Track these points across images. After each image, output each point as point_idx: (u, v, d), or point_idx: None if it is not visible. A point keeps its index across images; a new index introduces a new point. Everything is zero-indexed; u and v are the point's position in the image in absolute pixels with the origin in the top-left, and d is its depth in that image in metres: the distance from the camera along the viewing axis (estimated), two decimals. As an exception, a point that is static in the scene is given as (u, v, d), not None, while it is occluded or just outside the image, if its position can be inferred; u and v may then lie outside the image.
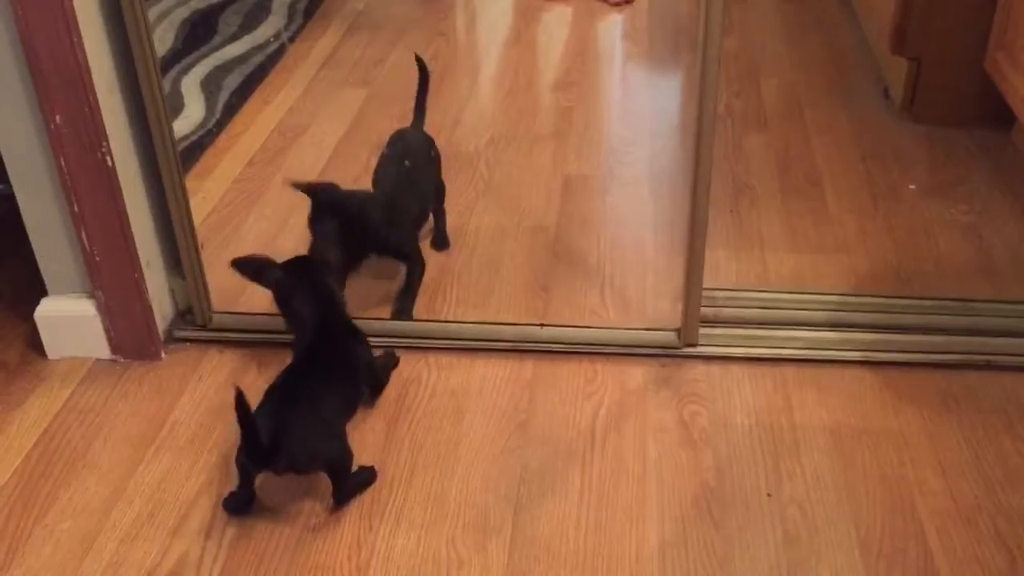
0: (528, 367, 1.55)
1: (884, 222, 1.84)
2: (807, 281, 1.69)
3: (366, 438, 1.42)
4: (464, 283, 1.74)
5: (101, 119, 1.40)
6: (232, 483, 1.32)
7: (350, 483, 1.32)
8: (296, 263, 1.49)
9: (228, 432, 1.43)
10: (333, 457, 1.30)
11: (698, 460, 1.37)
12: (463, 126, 2.28)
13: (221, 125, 2.25)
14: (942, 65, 2.04)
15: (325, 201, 1.59)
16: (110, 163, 1.42)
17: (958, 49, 2.00)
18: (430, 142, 1.89)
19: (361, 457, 1.39)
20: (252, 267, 1.48)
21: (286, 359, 1.58)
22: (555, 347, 1.57)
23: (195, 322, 1.62)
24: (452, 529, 1.28)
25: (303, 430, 1.26)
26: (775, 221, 1.86)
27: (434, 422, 1.45)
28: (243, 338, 1.61)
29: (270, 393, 1.31)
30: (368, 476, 1.35)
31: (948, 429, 1.40)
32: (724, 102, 2.28)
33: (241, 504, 1.31)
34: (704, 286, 1.54)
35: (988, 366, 1.49)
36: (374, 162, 1.96)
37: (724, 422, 1.43)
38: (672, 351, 1.54)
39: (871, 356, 1.51)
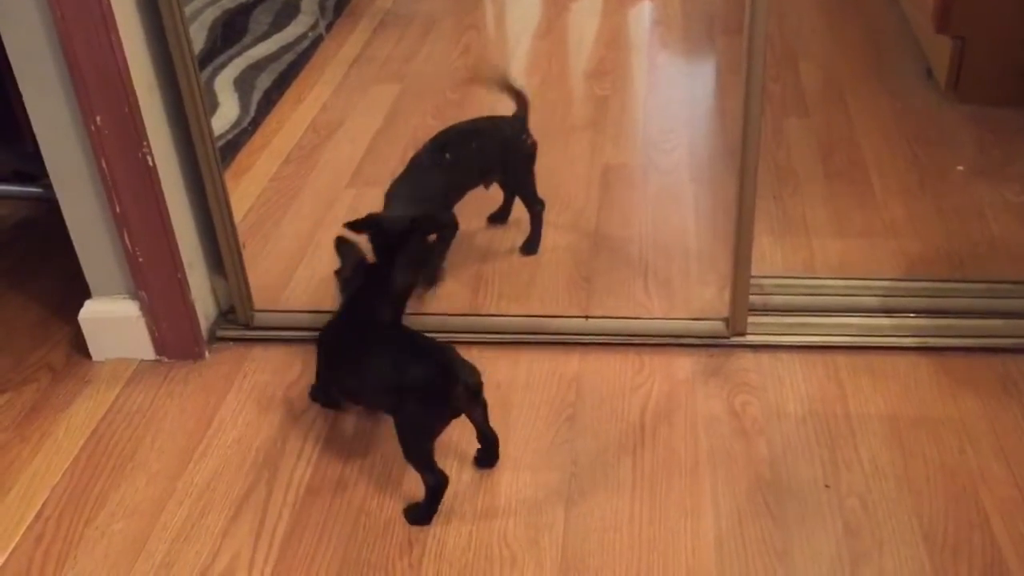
0: (574, 360, 1.53)
1: (933, 204, 1.80)
2: (855, 266, 1.66)
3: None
4: (506, 276, 1.72)
5: (141, 119, 1.39)
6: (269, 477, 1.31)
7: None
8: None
9: (273, 430, 1.42)
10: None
11: (751, 451, 1.34)
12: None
13: (256, 124, 2.25)
14: (988, 43, 1.99)
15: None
16: (151, 163, 1.42)
17: (1004, 27, 1.96)
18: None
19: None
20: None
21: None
22: (600, 339, 1.55)
23: (238, 321, 1.62)
24: (504, 525, 1.27)
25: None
26: (820, 206, 1.82)
27: (481, 417, 1.43)
28: (285, 336, 1.60)
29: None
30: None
31: (1009, 415, 1.36)
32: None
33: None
34: (751, 274, 1.52)
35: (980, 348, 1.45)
36: (409, 155, 1.95)
37: (777, 412, 1.40)
38: (720, 340, 1.52)
39: (926, 342, 1.47)
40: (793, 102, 2.18)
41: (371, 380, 1.33)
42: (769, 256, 1.71)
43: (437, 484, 1.28)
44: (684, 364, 1.50)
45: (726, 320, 1.52)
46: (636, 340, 1.54)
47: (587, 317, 1.58)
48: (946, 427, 1.35)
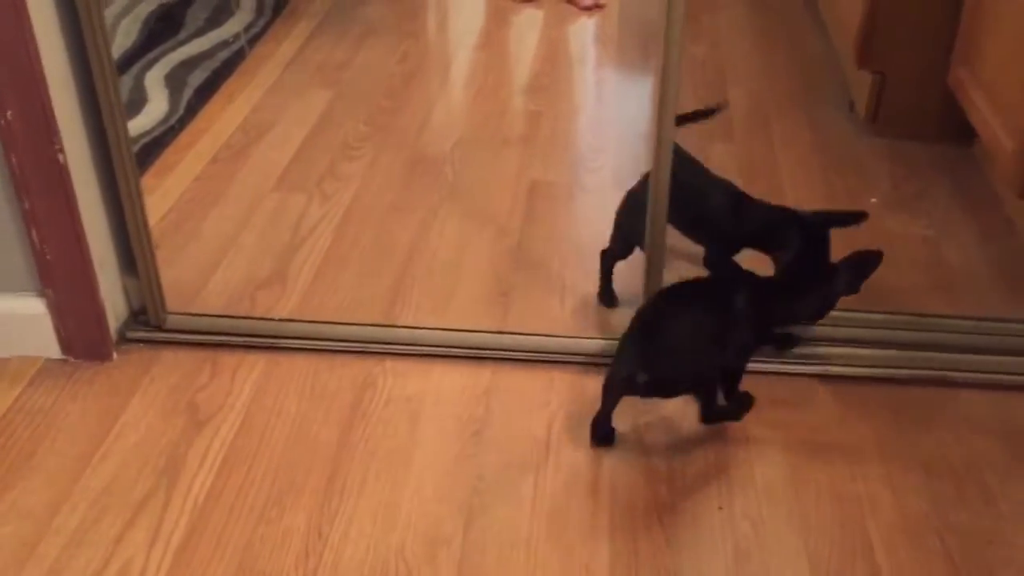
0: (486, 375, 1.54)
1: (843, 234, 1.84)
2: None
3: (319, 444, 1.41)
4: (424, 288, 1.73)
5: (54, 115, 1.37)
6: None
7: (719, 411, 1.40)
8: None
9: (177, 435, 1.41)
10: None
11: (651, 472, 1.37)
12: (430, 128, 2.27)
13: (184, 122, 2.22)
14: (905, 80, 2.05)
15: None
16: (63, 160, 1.40)
17: (921, 64, 2.02)
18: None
19: (313, 463, 1.38)
20: None
21: (242, 360, 1.57)
22: (513, 355, 1.56)
23: (149, 323, 1.60)
24: (402, 539, 1.27)
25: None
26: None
27: (389, 429, 1.44)
28: (198, 339, 1.59)
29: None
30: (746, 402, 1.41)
31: (900, 445, 1.40)
32: (691, 109, 2.28)
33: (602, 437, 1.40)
34: (662, 294, 1.55)
35: (943, 382, 1.50)
36: (338, 164, 1.95)
37: (679, 434, 1.43)
38: (630, 361, 1.54)
39: (826, 370, 1.51)
40: (720, 128, 2.22)
41: None
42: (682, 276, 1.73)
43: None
44: (594, 384, 1.51)
45: (636, 341, 1.55)
46: (548, 357, 1.56)
47: (501, 332, 1.60)
48: (839, 454, 1.38)
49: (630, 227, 1.61)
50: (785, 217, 1.55)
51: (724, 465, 1.37)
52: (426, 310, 1.67)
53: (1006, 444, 1.40)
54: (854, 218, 1.52)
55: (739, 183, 1.75)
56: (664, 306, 1.40)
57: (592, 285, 1.72)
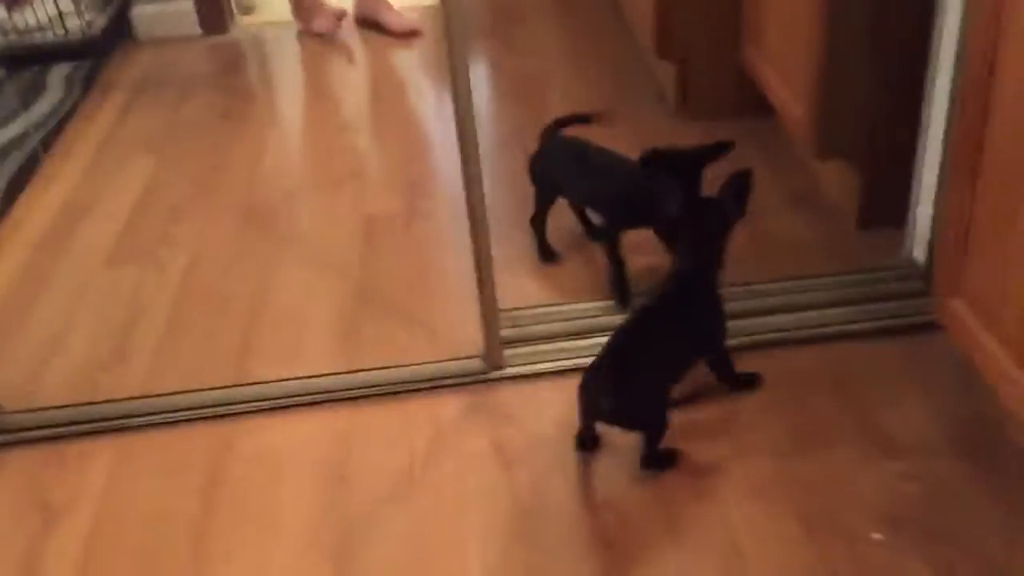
0: (342, 417, 1.54)
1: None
2: (606, 289, 1.75)
3: (180, 519, 1.38)
4: (272, 341, 1.72)
5: None
6: None
7: (657, 453, 1.37)
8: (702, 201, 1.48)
9: (32, 537, 1.36)
10: (649, 422, 1.36)
11: (514, 482, 1.40)
12: (260, 179, 2.26)
13: (1, 212, 2.15)
14: (705, 64, 2.16)
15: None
16: None
17: (717, 48, 2.13)
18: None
19: (177, 540, 1.35)
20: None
21: (91, 447, 1.53)
22: (367, 391, 1.57)
23: (-14, 427, 1.54)
24: (276, 596, 1.27)
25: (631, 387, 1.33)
26: (568, 237, 1.91)
27: (251, 490, 1.42)
28: (41, 435, 1.54)
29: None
30: (672, 458, 1.39)
31: (744, 414, 1.47)
32: (514, 122, 2.34)
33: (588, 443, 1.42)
34: (505, 307, 1.58)
35: (776, 343, 1.58)
36: (170, 229, 1.91)
37: (537, 439, 1.46)
38: (480, 377, 1.57)
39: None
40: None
41: None
42: (527, 288, 1.78)
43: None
44: (449, 405, 1.54)
45: (482, 356, 1.58)
46: (402, 388, 1.57)
47: (350, 372, 1.60)
48: (690, 431, 1.44)
49: (544, 177, 1.81)
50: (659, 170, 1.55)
51: (579, 464, 1.41)
52: (276, 362, 1.66)
53: (834, 390, 1.48)
54: (723, 148, 1.56)
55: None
56: (630, 329, 1.42)
57: (436, 308, 1.75)
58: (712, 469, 1.38)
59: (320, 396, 1.57)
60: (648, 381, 1.35)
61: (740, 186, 1.44)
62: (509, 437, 1.47)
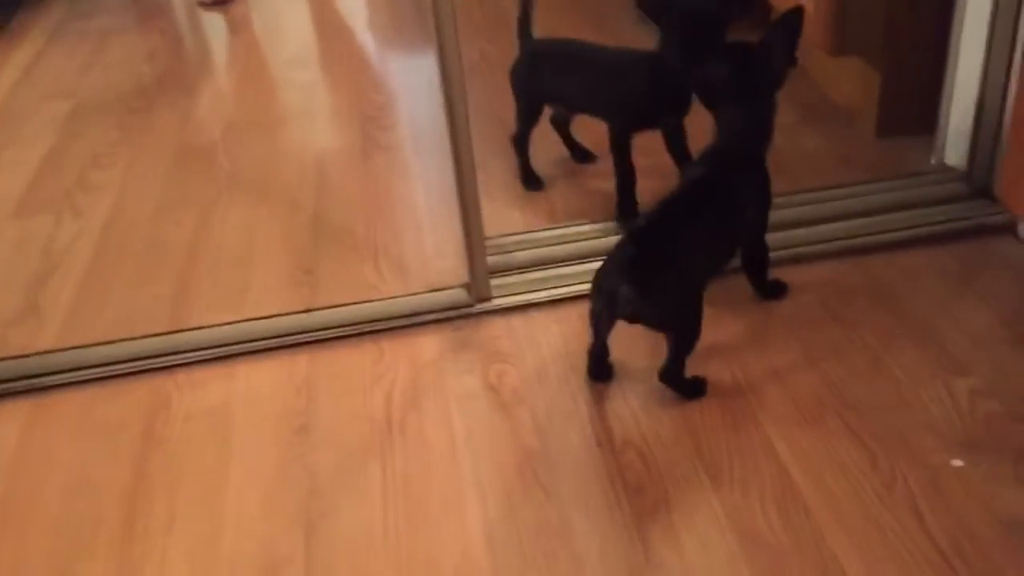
0: (301, 362, 1.30)
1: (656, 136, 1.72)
2: (598, 210, 1.53)
3: (107, 488, 1.13)
4: (211, 286, 1.47)
5: None
6: None
7: (681, 372, 1.15)
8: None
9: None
10: (681, 319, 1.13)
11: (514, 424, 1.17)
12: (194, 121, 1.99)
13: None
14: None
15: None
16: None
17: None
18: None
19: (103, 512, 1.10)
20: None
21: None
22: (329, 332, 1.33)
23: None
24: (231, 572, 1.02)
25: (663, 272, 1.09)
26: (556, 159, 1.69)
27: (193, 451, 1.17)
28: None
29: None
30: (700, 387, 1.17)
31: (774, 330, 1.26)
32: (478, 49, 2.11)
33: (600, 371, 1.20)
34: (488, 235, 1.35)
35: (796, 259, 1.37)
36: (88, 175, 1.66)
37: (537, 376, 1.23)
38: (464, 310, 1.34)
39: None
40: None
41: None
42: (508, 215, 1.55)
43: None
44: (429, 343, 1.31)
45: (467, 286, 1.34)
46: (371, 327, 1.33)
47: (309, 310, 1.36)
48: (715, 355, 1.22)
49: (530, 87, 1.58)
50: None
51: (594, 398, 1.19)
52: (219, 308, 1.41)
53: (877, 304, 1.28)
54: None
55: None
56: (663, 209, 1.16)
57: (407, 241, 1.52)
58: (745, 392, 1.16)
59: (273, 341, 1.32)
60: (684, 268, 1.12)
61: (790, 28, 1.18)
62: (502, 375, 1.24)
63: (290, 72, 2.18)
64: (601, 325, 1.15)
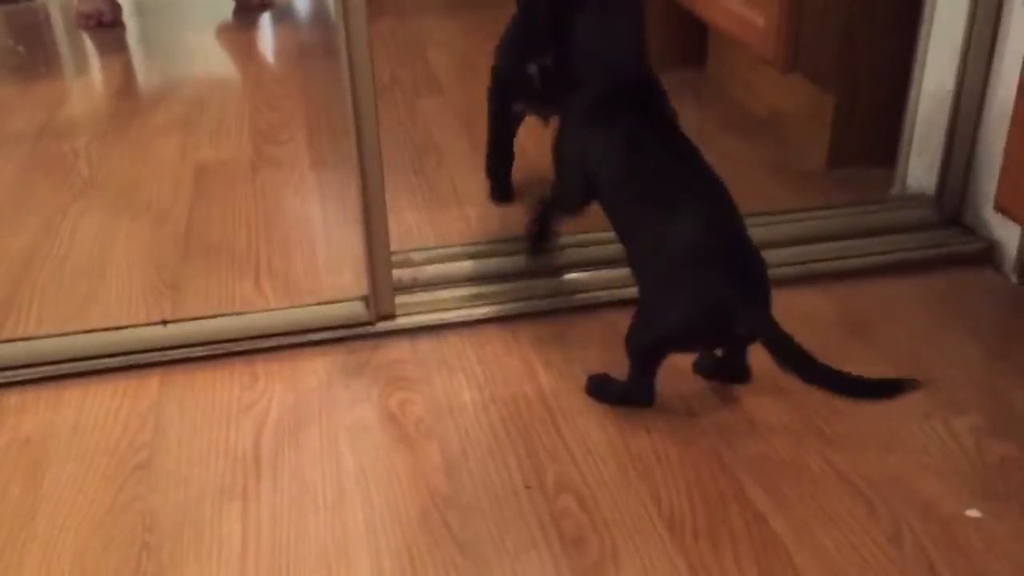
0: (151, 385, 1.03)
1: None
2: (521, 226, 1.32)
3: None
4: (50, 296, 1.19)
5: None
6: None
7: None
8: None
9: None
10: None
11: (419, 461, 0.92)
12: (54, 128, 1.72)
13: None
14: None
15: None
16: None
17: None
18: None
19: None
20: None
21: None
22: (191, 352, 1.06)
23: None
24: (18, 651, 0.73)
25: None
26: (470, 176, 1.48)
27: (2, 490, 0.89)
28: None
29: None
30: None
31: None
32: (389, 72, 1.92)
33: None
34: (395, 249, 1.12)
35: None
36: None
37: (449, 406, 0.99)
38: (362, 329, 1.09)
39: (612, 295, 1.15)
40: (425, 84, 1.87)
41: None
42: (419, 231, 1.33)
43: None
44: (316, 367, 1.06)
45: (366, 299, 1.10)
46: (244, 345, 1.07)
47: (165, 322, 1.09)
48: (668, 383, 1.01)
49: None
50: None
51: (520, 432, 0.95)
52: (55, 321, 1.14)
53: (852, 334, 1.09)
54: None
55: (460, 131, 1.41)
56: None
57: (297, 256, 1.28)
58: (707, 428, 0.95)
59: (117, 360, 1.05)
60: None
61: None
62: (406, 403, 1.00)
63: (177, 90, 1.93)
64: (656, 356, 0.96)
